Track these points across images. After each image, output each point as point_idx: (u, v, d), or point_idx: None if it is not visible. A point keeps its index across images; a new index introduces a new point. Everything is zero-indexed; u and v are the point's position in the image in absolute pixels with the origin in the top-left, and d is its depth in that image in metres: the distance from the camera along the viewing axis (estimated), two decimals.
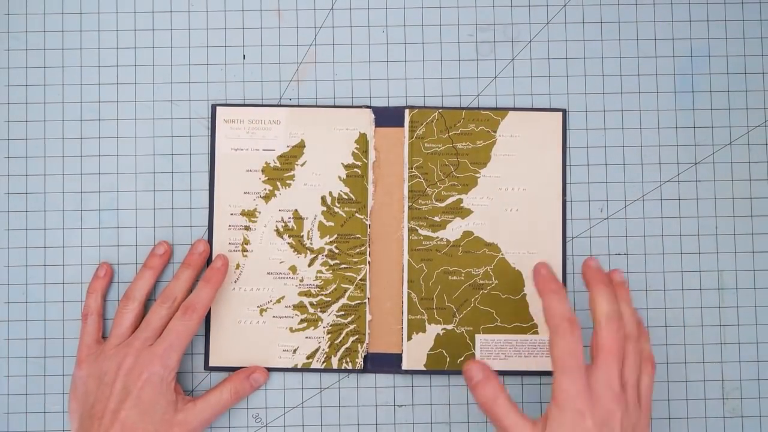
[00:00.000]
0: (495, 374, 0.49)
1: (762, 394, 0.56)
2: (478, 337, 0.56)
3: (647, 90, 0.57)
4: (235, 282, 0.56)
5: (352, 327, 0.56)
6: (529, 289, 0.56)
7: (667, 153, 0.57)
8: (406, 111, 0.56)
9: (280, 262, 0.56)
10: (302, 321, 0.56)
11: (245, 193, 0.56)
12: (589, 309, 0.49)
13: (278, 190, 0.56)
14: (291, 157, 0.56)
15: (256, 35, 0.57)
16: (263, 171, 0.56)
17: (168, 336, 0.52)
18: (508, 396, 0.48)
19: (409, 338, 0.56)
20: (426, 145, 0.56)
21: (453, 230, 0.56)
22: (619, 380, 0.46)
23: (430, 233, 0.56)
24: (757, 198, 0.57)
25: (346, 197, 0.56)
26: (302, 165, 0.56)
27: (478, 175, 0.56)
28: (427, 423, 0.56)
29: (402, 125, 0.56)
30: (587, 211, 0.57)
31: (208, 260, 0.56)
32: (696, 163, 0.57)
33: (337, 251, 0.56)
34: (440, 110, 0.56)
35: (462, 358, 0.55)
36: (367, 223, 0.56)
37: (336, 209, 0.56)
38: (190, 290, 0.54)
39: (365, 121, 0.56)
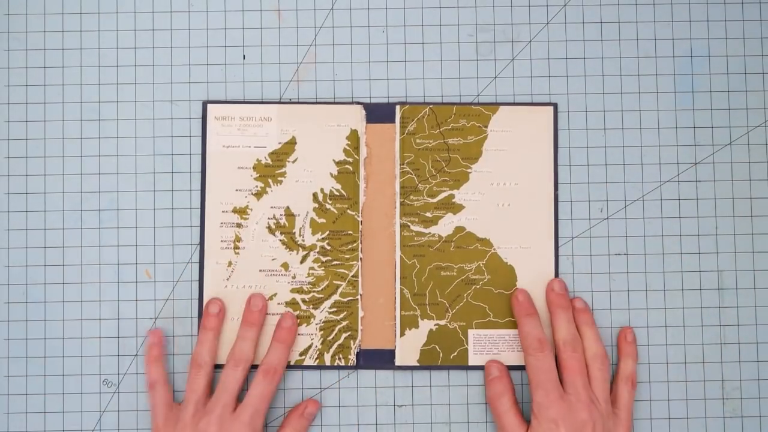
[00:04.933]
0: (509, 376, 0.55)
1: (762, 394, 0.56)
2: (471, 332, 0.56)
3: (647, 90, 0.57)
4: (227, 279, 0.56)
5: (344, 323, 0.56)
6: (522, 284, 0.56)
7: (667, 153, 0.57)
8: (397, 107, 0.56)
9: (272, 260, 0.56)
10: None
11: (237, 190, 0.56)
12: (551, 330, 0.54)
13: (270, 187, 0.56)
14: (282, 154, 0.56)
15: (256, 35, 0.57)
16: (254, 168, 0.56)
17: (252, 401, 0.52)
18: (513, 397, 0.54)
19: (402, 334, 0.56)
20: (417, 140, 0.56)
21: (445, 226, 0.56)
22: (587, 393, 0.51)
23: (422, 229, 0.56)
24: (757, 198, 0.57)
25: (337, 194, 0.56)
26: (293, 162, 0.56)
27: (469, 170, 0.56)
28: (427, 423, 0.56)
29: (393, 121, 0.56)
30: (587, 211, 0.57)
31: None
32: (696, 163, 0.57)
33: (329, 248, 0.56)
34: (431, 106, 0.56)
35: (455, 354, 0.55)
36: (359, 219, 0.56)
37: (328, 206, 0.56)
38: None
39: (356, 117, 0.56)
